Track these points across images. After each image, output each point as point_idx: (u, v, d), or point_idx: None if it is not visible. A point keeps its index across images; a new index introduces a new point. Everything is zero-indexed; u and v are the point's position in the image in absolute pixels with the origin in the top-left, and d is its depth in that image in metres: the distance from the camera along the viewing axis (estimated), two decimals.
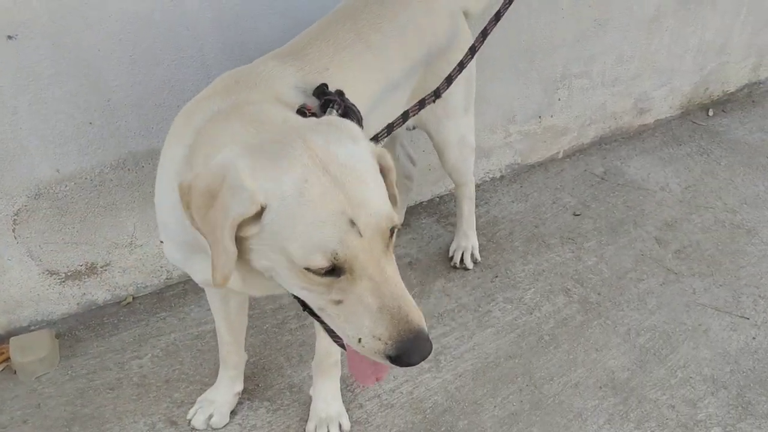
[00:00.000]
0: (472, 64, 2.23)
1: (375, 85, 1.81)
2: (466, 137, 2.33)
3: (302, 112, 1.45)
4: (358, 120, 1.53)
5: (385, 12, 1.89)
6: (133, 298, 2.57)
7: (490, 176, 3.17)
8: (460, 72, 1.81)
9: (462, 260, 2.67)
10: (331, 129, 1.26)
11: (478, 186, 2.86)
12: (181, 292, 2.61)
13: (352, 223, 1.16)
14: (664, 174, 3.22)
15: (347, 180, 1.18)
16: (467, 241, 2.69)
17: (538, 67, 2.95)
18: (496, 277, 2.65)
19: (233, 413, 2.14)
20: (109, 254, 2.42)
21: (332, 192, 1.16)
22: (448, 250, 2.75)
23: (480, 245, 2.74)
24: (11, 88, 1.97)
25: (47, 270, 2.35)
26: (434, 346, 2.30)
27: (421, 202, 3.06)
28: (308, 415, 2.10)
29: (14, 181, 2.13)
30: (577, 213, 2.98)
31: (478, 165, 2.84)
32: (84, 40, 2.00)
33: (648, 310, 2.49)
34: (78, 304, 2.48)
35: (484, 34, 1.83)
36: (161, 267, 2.56)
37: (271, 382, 2.26)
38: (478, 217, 2.79)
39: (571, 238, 2.84)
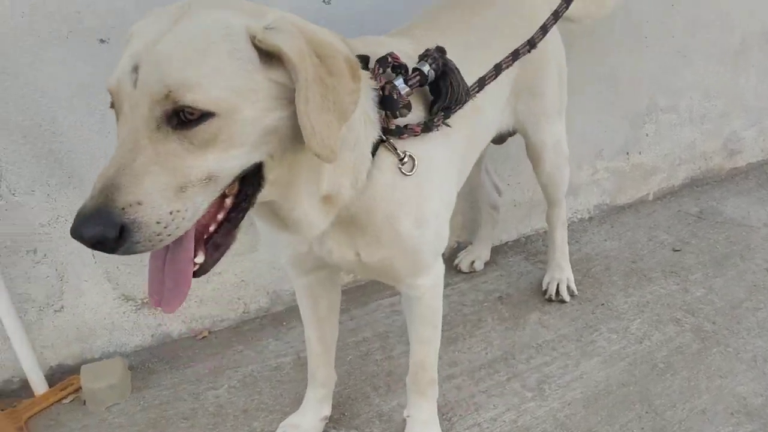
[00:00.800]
0: (564, 66, 2.17)
1: (479, 67, 1.75)
2: (561, 142, 2.24)
3: (385, 58, 1.39)
4: (458, 80, 1.46)
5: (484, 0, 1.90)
6: (209, 332, 2.43)
7: (579, 216, 3.01)
8: (554, 22, 1.71)
9: (558, 292, 2.47)
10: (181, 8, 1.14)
11: (567, 226, 2.70)
12: (258, 326, 2.46)
13: (136, 69, 1.06)
14: (765, 211, 3.00)
15: (170, 34, 1.07)
16: (561, 273, 2.51)
17: (623, 97, 2.85)
18: (597, 308, 2.43)
19: None
20: None
21: (146, 34, 1.09)
22: (539, 285, 2.56)
23: (575, 280, 2.54)
24: (102, 90, 1.96)
25: (123, 295, 2.25)
26: (536, 375, 2.11)
27: (507, 242, 2.90)
28: None
29: None
30: (677, 249, 2.77)
31: (566, 203, 2.69)
32: None
33: None
34: (152, 335, 2.35)
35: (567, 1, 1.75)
36: (239, 299, 2.44)
37: (358, 410, 2.05)
38: (569, 255, 2.60)
39: (673, 271, 2.62)
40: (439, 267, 1.66)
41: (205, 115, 1.05)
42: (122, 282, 2.23)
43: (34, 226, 2.05)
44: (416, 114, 1.44)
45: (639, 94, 2.89)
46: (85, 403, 2.13)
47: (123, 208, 1.01)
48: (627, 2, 2.68)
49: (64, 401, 2.15)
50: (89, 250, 2.11)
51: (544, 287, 2.52)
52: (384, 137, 1.37)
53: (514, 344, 2.28)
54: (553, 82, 2.11)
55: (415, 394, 1.83)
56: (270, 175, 1.17)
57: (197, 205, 1.08)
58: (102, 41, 1.92)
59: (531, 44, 1.69)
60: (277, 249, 1.65)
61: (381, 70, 1.37)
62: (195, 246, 1.16)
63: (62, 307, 2.18)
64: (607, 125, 2.88)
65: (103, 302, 2.23)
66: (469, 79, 1.60)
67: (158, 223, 1.03)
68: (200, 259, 1.17)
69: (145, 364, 2.30)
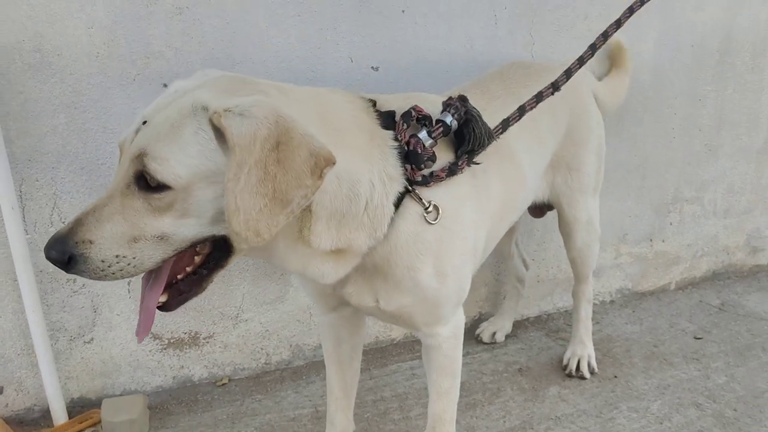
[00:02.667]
0: (603, 145, 2.26)
1: (527, 134, 1.85)
2: (594, 220, 2.30)
3: (408, 113, 1.47)
4: (482, 129, 1.53)
5: (531, 74, 2.04)
6: (229, 380, 2.45)
7: (600, 299, 3.03)
8: (578, 67, 1.79)
9: (578, 368, 2.48)
10: (201, 79, 1.34)
11: None
12: (279, 377, 2.48)
13: (137, 131, 1.24)
14: None
15: (169, 107, 1.23)
16: (584, 349, 2.52)
17: (649, 185, 2.93)
18: (617, 387, 2.42)
19: None
20: (215, 325, 2.36)
21: (160, 102, 1.28)
22: (559, 361, 2.57)
23: (596, 359, 2.54)
24: None
25: (151, 333, 2.29)
26: None
27: (529, 317, 2.92)
28: None
29: None
30: (699, 337, 2.78)
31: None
32: None
33: None
34: (174, 377, 2.37)
35: (605, 35, 1.84)
36: (261, 349, 2.47)
37: None
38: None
39: (695, 358, 2.62)
40: (459, 318, 1.69)
41: (163, 186, 1.18)
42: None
43: None
44: (443, 159, 1.51)
45: (665, 184, 2.97)
46: None
47: (77, 242, 1.20)
48: (658, 96, 2.82)
49: None
50: (125, 284, 2.19)
51: (564, 362, 2.52)
52: (410, 188, 1.44)
53: (533, 415, 2.27)
54: (592, 158, 2.19)
55: None
56: (241, 246, 1.27)
57: (146, 257, 1.23)
58: (165, 86, 2.04)
59: (555, 87, 1.74)
60: (303, 282, 1.72)
61: (405, 125, 1.46)
62: (164, 287, 1.32)
63: (92, 339, 2.23)
64: (633, 211, 2.95)
65: (131, 338, 2.27)
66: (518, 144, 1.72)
67: (103, 261, 1.21)
68: (163, 298, 1.33)
69: (164, 405, 2.32)
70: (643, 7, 1.93)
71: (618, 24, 1.85)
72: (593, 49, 1.79)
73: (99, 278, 1.22)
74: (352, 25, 2.24)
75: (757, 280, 3.32)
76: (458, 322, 1.68)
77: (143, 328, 1.32)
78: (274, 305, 2.43)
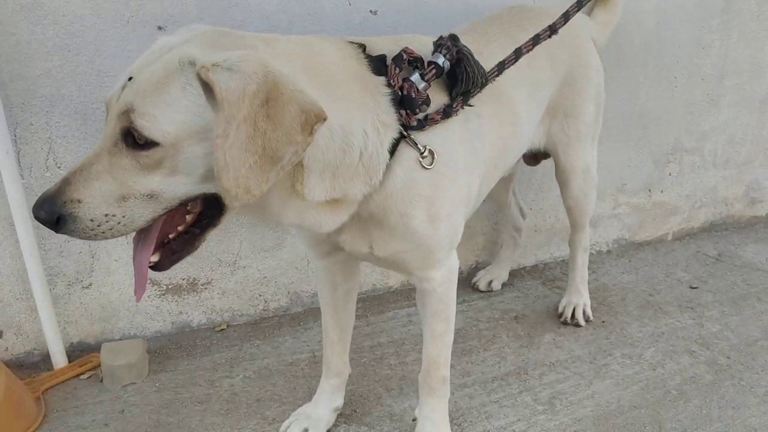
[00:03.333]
0: (602, 93, 2.24)
1: (524, 78, 1.82)
2: (591, 168, 2.29)
3: (399, 56, 1.45)
4: (474, 68, 1.51)
5: (530, 18, 2.00)
6: (228, 325, 2.47)
7: (597, 249, 3.05)
8: (577, 10, 1.77)
9: (573, 316, 2.50)
10: (187, 35, 1.30)
11: None
12: (276, 323, 2.50)
13: (123, 87, 1.22)
14: None
15: (154, 63, 1.21)
16: (579, 298, 2.54)
17: (650, 135, 2.91)
18: (611, 334, 2.45)
19: None
20: (213, 271, 2.37)
21: (145, 57, 1.26)
22: (555, 309, 2.59)
23: (591, 307, 2.56)
24: None
25: (150, 279, 2.30)
26: (548, 391, 2.13)
27: (526, 266, 2.94)
28: None
29: None
30: (694, 286, 2.80)
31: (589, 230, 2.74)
32: None
33: None
34: (173, 323, 2.40)
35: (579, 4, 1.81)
36: (260, 295, 2.48)
37: (369, 409, 2.07)
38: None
39: (690, 307, 2.64)
40: (453, 262, 1.70)
41: (151, 143, 1.16)
42: None
43: None
44: (437, 101, 1.50)
45: (665, 134, 2.95)
46: (102, 381, 2.17)
47: (65, 202, 1.18)
48: (661, 44, 2.77)
49: (82, 377, 2.20)
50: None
51: (560, 310, 2.55)
52: (405, 134, 1.43)
53: (528, 361, 2.30)
54: (590, 106, 2.17)
55: (426, 392, 1.85)
56: (233, 205, 1.24)
57: (136, 215, 1.22)
58: (160, 28, 2.02)
59: (552, 30, 1.71)
60: (299, 230, 1.72)
61: (397, 69, 1.43)
62: (155, 246, 1.31)
63: (90, 284, 2.24)
64: (632, 161, 2.94)
65: (130, 284, 2.28)
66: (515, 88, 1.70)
67: (91, 220, 1.20)
68: (155, 258, 1.33)
69: (164, 350, 2.34)
70: None
71: None
72: None
73: (89, 238, 1.22)
74: None
75: (755, 231, 3.33)
76: (452, 266, 1.69)
77: (140, 288, 1.33)
78: (271, 252, 2.44)
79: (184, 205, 1.27)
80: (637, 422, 2.02)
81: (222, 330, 2.46)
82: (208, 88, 1.17)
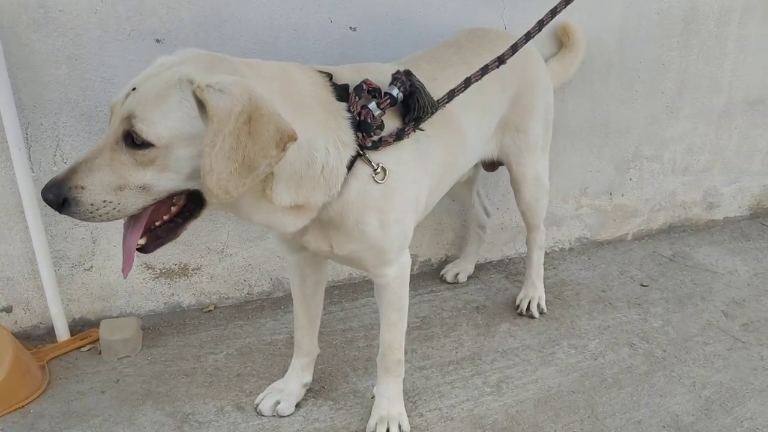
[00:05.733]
0: (551, 109, 2.47)
1: (474, 101, 2.06)
2: (542, 177, 2.51)
3: (360, 86, 1.70)
4: (426, 100, 1.75)
5: (485, 43, 2.22)
6: (215, 307, 2.73)
7: (560, 246, 3.29)
8: (524, 42, 1.98)
9: (528, 308, 2.75)
10: (183, 56, 1.55)
11: (547, 253, 2.97)
12: (259, 306, 2.76)
13: (127, 95, 1.46)
14: (732, 262, 3.26)
15: (154, 78, 1.46)
16: (534, 291, 2.78)
17: (611, 143, 3.14)
18: (561, 326, 2.70)
19: (298, 406, 2.21)
20: (202, 258, 2.63)
21: (148, 72, 1.51)
22: (514, 301, 2.84)
23: (547, 301, 2.81)
24: None
25: (145, 263, 2.56)
26: (497, 375, 2.38)
27: (491, 260, 3.19)
28: (369, 415, 2.15)
29: None
30: (645, 284, 3.04)
31: (548, 233, 2.97)
32: (218, 51, 2.32)
33: (714, 368, 2.48)
34: (165, 303, 2.65)
35: (553, 12, 2.01)
36: (245, 281, 2.74)
37: (336, 386, 2.33)
38: (546, 279, 2.88)
39: (638, 303, 2.89)
40: (405, 259, 1.96)
41: (147, 144, 1.42)
42: None
43: None
44: (392, 126, 1.74)
45: (626, 142, 3.18)
46: (100, 353, 2.43)
47: (70, 188, 1.42)
48: (623, 60, 2.99)
49: (83, 349, 2.46)
50: (122, 219, 2.43)
51: (517, 302, 2.79)
52: (361, 152, 1.68)
53: (482, 348, 2.55)
54: (539, 121, 2.40)
55: (383, 371, 2.11)
56: (212, 200, 1.51)
57: (129, 203, 1.46)
58: (158, 41, 2.26)
59: (500, 60, 1.93)
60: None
61: (357, 97, 1.69)
62: (143, 232, 1.55)
63: (91, 267, 2.49)
64: (594, 166, 3.17)
65: None
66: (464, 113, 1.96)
67: (92, 204, 1.43)
68: (142, 241, 1.56)
69: (156, 327, 2.60)
70: None
71: (567, 1, 2.03)
72: (541, 24, 1.98)
73: (87, 219, 1.45)
74: None
75: (710, 234, 3.56)
76: (404, 263, 1.94)
77: (126, 266, 1.55)
78: (256, 242, 2.69)
79: (170, 198, 1.52)
80: (572, 405, 2.27)
81: (209, 311, 2.72)
82: (201, 103, 1.42)
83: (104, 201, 1.43)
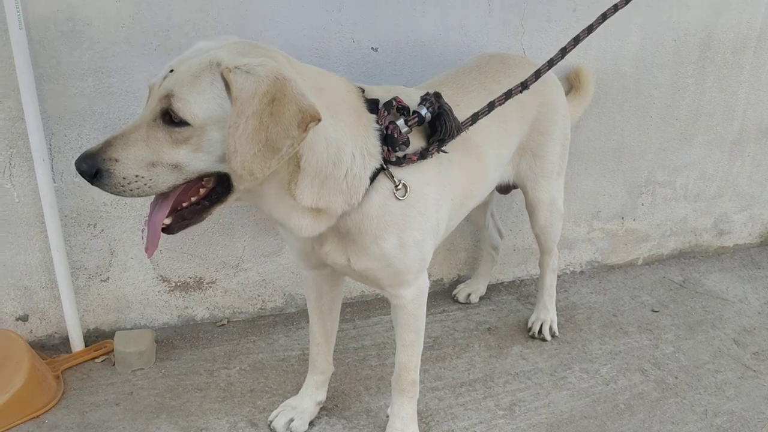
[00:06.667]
0: (568, 135, 2.49)
1: (495, 126, 2.08)
2: (557, 201, 2.53)
3: (390, 102, 1.72)
4: (452, 122, 1.77)
5: (505, 69, 2.24)
6: (228, 321, 2.74)
7: (571, 269, 3.30)
8: (548, 69, 1.99)
9: (540, 331, 2.76)
10: (222, 42, 1.57)
11: (559, 276, 2.99)
12: (272, 322, 2.77)
13: (165, 77, 1.49)
14: (743, 289, 3.27)
15: (190, 60, 1.49)
16: (547, 314, 2.79)
17: (624, 168, 3.16)
18: (573, 350, 2.71)
19: (312, 424, 2.22)
20: (217, 272, 2.64)
21: (185, 56, 1.54)
22: (526, 323, 2.85)
23: (558, 323, 2.82)
24: None
25: (161, 276, 2.57)
26: (510, 398, 2.38)
27: (503, 281, 3.20)
28: None
29: None
30: (656, 310, 3.05)
31: (560, 256, 2.99)
32: None
33: (726, 397, 2.48)
34: (179, 316, 2.66)
35: (576, 40, 2.02)
36: (258, 295, 2.75)
37: (349, 404, 2.33)
38: (557, 302, 2.89)
39: (649, 329, 2.89)
40: (423, 281, 1.96)
41: (183, 122, 1.44)
42: (162, 264, 2.56)
43: (98, 204, 2.39)
44: (416, 145, 1.77)
45: (640, 167, 3.20)
46: (114, 365, 2.44)
47: (105, 159, 1.44)
48: (638, 86, 3.02)
49: (97, 360, 2.47)
50: (139, 231, 2.46)
51: (529, 325, 2.80)
52: (384, 166, 1.70)
53: (495, 370, 2.56)
54: (556, 147, 2.42)
55: (397, 392, 2.11)
56: (239, 185, 1.52)
57: (161, 180, 1.47)
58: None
59: (524, 86, 1.95)
60: (289, 242, 2.00)
61: (386, 112, 1.71)
62: (170, 211, 1.55)
63: (108, 278, 2.51)
64: (607, 191, 3.19)
65: (143, 280, 2.55)
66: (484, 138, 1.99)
67: (124, 178, 1.45)
68: (168, 221, 1.56)
69: (170, 340, 2.61)
70: (629, 4, 2.13)
71: (590, 30, 2.05)
72: (563, 52, 2.00)
73: (118, 193, 1.46)
74: (355, 8, 2.45)
75: (721, 261, 3.57)
76: (421, 285, 1.95)
77: (151, 244, 1.55)
78: (271, 257, 2.70)
79: (199, 180, 1.54)
80: (585, 431, 2.28)
81: (223, 325, 2.73)
82: (228, 85, 1.44)
83: (136, 176, 1.45)
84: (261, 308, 2.78)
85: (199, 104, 1.43)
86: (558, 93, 2.44)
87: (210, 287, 2.66)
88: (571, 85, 2.83)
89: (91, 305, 2.53)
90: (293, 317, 2.82)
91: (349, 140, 1.62)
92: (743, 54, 3.17)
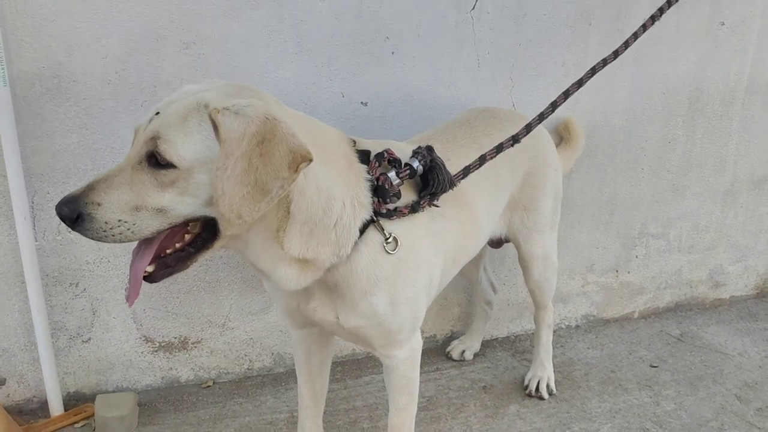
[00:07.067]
0: (560, 189, 2.46)
1: (486, 181, 2.04)
2: (550, 255, 2.48)
3: (381, 154, 1.69)
4: (444, 175, 1.74)
5: (495, 123, 2.22)
6: (214, 382, 2.64)
7: (566, 324, 3.23)
8: (538, 122, 1.98)
9: (537, 389, 2.67)
10: (210, 84, 1.55)
11: (554, 331, 2.91)
12: (260, 382, 2.67)
13: (150, 120, 1.45)
14: (741, 342, 3.20)
15: (177, 102, 1.46)
16: (543, 371, 2.71)
17: (617, 221, 3.13)
18: (572, 408, 2.62)
19: None
20: (203, 331, 2.56)
21: (170, 99, 1.51)
22: (522, 381, 2.76)
23: (555, 380, 2.74)
24: None
25: (144, 336, 2.49)
26: None
27: (498, 337, 3.12)
28: None
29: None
30: (654, 365, 2.97)
31: (555, 310, 2.92)
32: None
33: None
34: (162, 378, 2.57)
35: (566, 93, 2.03)
36: (245, 355, 2.66)
37: None
38: (553, 357, 2.81)
39: (648, 385, 2.81)
40: (416, 341, 1.89)
41: (169, 164, 1.40)
42: (146, 324, 2.48)
43: (81, 262, 2.32)
44: (407, 199, 1.72)
45: (632, 219, 3.17)
46: (94, 430, 2.33)
47: (87, 203, 1.39)
48: (629, 138, 3.01)
49: (76, 425, 2.36)
50: (122, 290, 2.38)
51: (525, 382, 2.72)
52: (375, 218, 1.65)
53: (491, 431, 2.46)
54: (548, 201, 2.38)
55: None
56: (226, 231, 1.47)
57: (144, 225, 1.41)
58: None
59: (515, 140, 1.93)
60: (275, 299, 1.93)
61: (377, 164, 1.67)
62: (153, 258, 1.49)
63: (89, 339, 2.42)
64: (600, 243, 3.15)
65: (126, 340, 2.47)
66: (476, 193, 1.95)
67: (106, 223, 1.39)
68: (150, 268, 1.49)
69: (153, 403, 2.51)
70: (618, 58, 2.14)
71: (580, 83, 2.05)
72: (554, 106, 2.00)
73: (99, 238, 1.40)
74: (344, 64, 2.44)
75: (718, 313, 3.51)
76: (414, 344, 1.88)
77: (132, 293, 1.49)
78: (258, 316, 2.63)
79: (185, 225, 1.48)
80: None
81: (208, 386, 2.63)
82: (216, 127, 1.40)
83: (119, 220, 1.40)
84: (248, 368, 2.69)
85: (186, 146, 1.39)
86: (549, 146, 2.42)
87: (195, 347, 2.58)
88: (561, 137, 2.82)
89: (71, 367, 2.43)
90: (282, 377, 2.72)
91: (340, 188, 1.57)
92: (732, 106, 3.18)
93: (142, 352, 2.51)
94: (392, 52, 2.49)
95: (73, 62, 2.13)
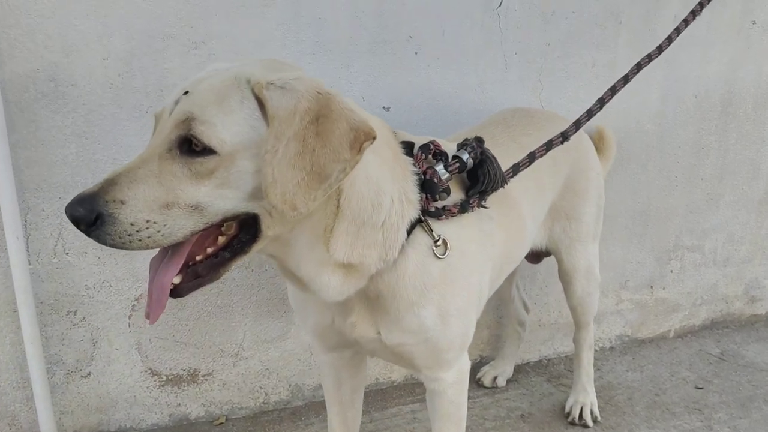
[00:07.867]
0: (602, 194, 2.27)
1: (530, 182, 1.85)
2: (593, 267, 2.29)
3: (427, 145, 1.49)
4: (495, 168, 1.54)
5: (534, 122, 2.06)
6: (226, 419, 2.40)
7: (600, 345, 3.02)
8: (587, 119, 1.81)
9: (581, 416, 2.45)
10: (242, 61, 1.34)
11: None
12: (277, 418, 2.43)
13: (177, 102, 1.22)
14: None
15: (208, 80, 1.23)
16: (586, 396, 2.49)
17: (651, 232, 2.94)
18: None
19: None
20: (214, 362, 2.32)
21: (197, 78, 1.27)
22: (562, 408, 2.54)
23: (598, 406, 2.51)
24: None
25: (150, 369, 2.25)
26: None
27: (530, 362, 2.90)
28: None
29: (143, 264, 2.13)
30: (699, 387, 2.76)
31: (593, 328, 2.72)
32: None
33: None
34: (170, 415, 2.32)
35: (613, 90, 1.86)
36: (260, 387, 2.42)
37: None
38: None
39: (697, 408, 2.60)
40: (464, 362, 1.67)
41: (207, 150, 1.16)
42: (151, 355, 2.24)
43: (80, 287, 2.09)
44: (455, 197, 1.52)
45: (667, 231, 2.99)
46: None
47: (107, 201, 1.13)
48: (662, 145, 2.84)
49: None
50: (126, 318, 2.15)
51: (567, 409, 2.49)
52: (422, 218, 1.44)
53: None
54: (591, 208, 2.20)
55: None
56: (268, 231, 1.25)
57: (177, 226, 1.17)
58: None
59: (564, 137, 1.75)
60: (303, 316, 1.68)
61: (423, 156, 1.47)
62: (181, 268, 1.25)
63: (89, 374, 2.18)
64: (635, 257, 2.96)
65: (129, 374, 2.23)
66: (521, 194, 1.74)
67: (132, 225, 1.14)
68: (177, 279, 1.25)
69: None
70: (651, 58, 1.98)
71: (626, 80, 1.89)
72: (602, 102, 1.83)
73: (123, 244, 1.15)
74: (365, 65, 2.26)
75: (756, 330, 3.31)
76: (463, 366, 1.66)
77: (156, 307, 1.24)
78: (275, 343, 2.40)
79: (218, 227, 1.24)
80: None
81: (221, 424, 2.38)
82: (263, 104, 1.19)
83: (148, 221, 1.14)
84: (264, 402, 2.45)
85: (227, 127, 1.17)
86: (591, 150, 2.24)
87: (206, 380, 2.33)
88: (595, 145, 2.64)
89: (69, 406, 2.18)
90: (300, 411, 2.48)
91: (389, 181, 1.37)
92: (765, 109, 3.02)
93: (147, 387, 2.27)
94: (415, 53, 2.31)
95: (71, 64, 1.93)
